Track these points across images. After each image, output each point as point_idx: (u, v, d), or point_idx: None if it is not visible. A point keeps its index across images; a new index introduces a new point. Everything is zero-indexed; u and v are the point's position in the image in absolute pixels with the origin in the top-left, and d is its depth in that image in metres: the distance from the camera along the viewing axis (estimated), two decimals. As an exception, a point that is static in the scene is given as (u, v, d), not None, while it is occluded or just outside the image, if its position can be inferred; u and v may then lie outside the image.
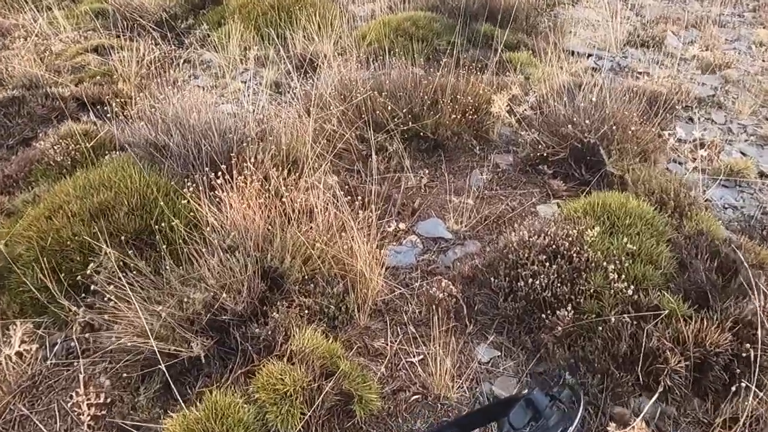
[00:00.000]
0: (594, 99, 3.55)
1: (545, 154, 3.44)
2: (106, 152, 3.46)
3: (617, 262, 2.28)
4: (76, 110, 4.15)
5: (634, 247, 2.34)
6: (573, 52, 5.33)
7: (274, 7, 5.87)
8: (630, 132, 3.35)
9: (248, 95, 4.31)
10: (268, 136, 3.52)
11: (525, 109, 4.06)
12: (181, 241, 2.54)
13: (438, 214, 3.22)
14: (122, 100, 4.28)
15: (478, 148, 3.84)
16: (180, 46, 6.11)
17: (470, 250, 2.89)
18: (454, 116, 3.65)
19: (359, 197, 3.13)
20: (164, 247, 2.42)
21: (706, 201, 2.92)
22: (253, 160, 2.96)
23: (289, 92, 4.59)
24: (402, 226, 3.03)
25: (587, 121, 3.28)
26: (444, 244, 2.94)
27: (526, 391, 1.75)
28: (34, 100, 3.99)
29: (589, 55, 5.35)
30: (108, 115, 4.02)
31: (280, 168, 3.17)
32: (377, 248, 2.56)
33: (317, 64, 5.04)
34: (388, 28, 5.47)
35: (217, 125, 3.08)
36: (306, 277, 2.49)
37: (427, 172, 3.60)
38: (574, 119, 3.37)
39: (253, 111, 3.87)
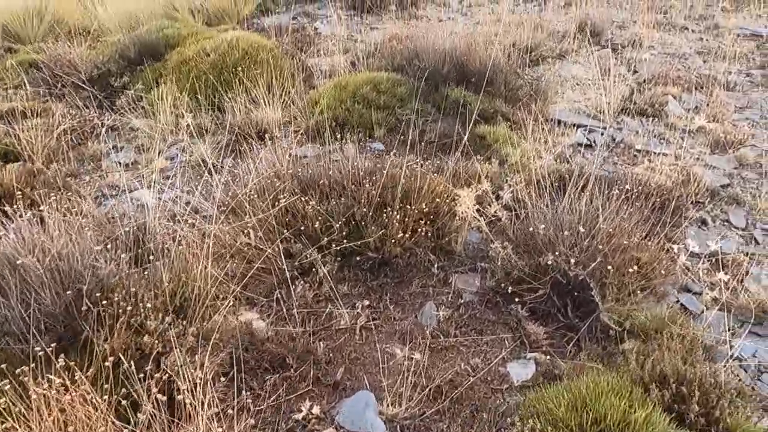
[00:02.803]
0: (583, 211, 2.75)
1: (518, 290, 2.61)
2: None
3: None
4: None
5: None
6: (559, 122, 4.56)
7: (216, 65, 5.10)
8: (633, 261, 2.53)
9: (158, 187, 3.48)
10: (160, 260, 2.69)
11: (497, 210, 3.25)
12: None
13: (372, 380, 2.36)
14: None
15: (437, 265, 3.01)
16: (111, 109, 5.32)
17: (409, 455, 2.03)
18: (403, 233, 2.83)
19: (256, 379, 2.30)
20: None
21: (735, 360, 2.08)
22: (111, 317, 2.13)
23: (211, 180, 3.77)
24: (316, 410, 2.17)
25: (576, 253, 2.46)
26: (372, 444, 2.08)
27: None
28: None
29: (578, 126, 4.58)
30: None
31: (161, 315, 2.34)
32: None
33: (259, 138, 4.27)
34: (345, 92, 4.70)
35: (69, 267, 2.24)
36: None
37: (366, 303, 2.77)
38: (557, 246, 2.55)
39: (157, 213, 3.05)
